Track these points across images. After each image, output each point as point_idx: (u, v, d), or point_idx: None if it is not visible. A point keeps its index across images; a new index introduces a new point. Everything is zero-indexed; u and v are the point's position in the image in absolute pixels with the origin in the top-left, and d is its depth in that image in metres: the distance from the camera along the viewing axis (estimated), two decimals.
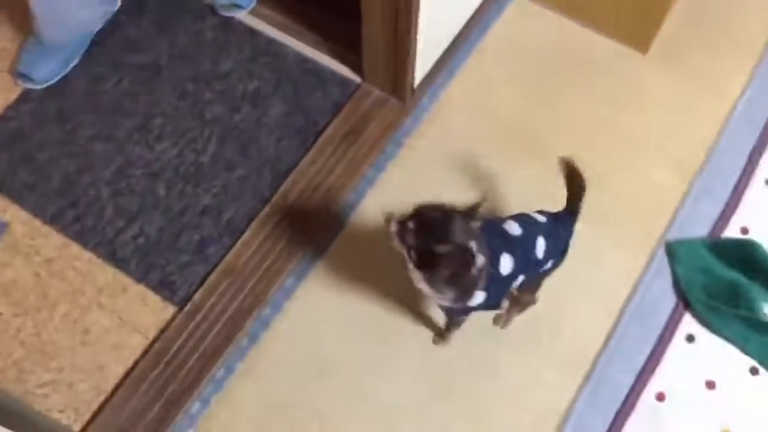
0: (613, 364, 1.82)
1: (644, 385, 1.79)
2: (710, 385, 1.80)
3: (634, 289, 1.90)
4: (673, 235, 1.96)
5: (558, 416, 1.76)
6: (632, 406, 1.77)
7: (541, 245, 1.53)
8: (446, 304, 1.52)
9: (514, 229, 1.54)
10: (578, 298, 1.88)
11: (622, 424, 1.76)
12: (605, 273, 1.92)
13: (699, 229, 1.97)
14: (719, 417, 1.77)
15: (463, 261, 1.40)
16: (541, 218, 1.59)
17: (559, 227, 1.59)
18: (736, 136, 2.09)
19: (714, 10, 2.27)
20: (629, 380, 1.80)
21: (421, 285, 1.47)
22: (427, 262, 1.41)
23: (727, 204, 2.00)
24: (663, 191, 2.02)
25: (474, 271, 1.41)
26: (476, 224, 1.41)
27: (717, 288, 1.87)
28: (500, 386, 1.79)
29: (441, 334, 1.81)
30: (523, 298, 1.76)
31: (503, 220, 1.57)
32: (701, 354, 1.83)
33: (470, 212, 1.41)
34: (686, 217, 1.98)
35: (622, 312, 1.87)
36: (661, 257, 1.94)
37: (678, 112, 2.12)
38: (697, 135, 2.09)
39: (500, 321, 1.83)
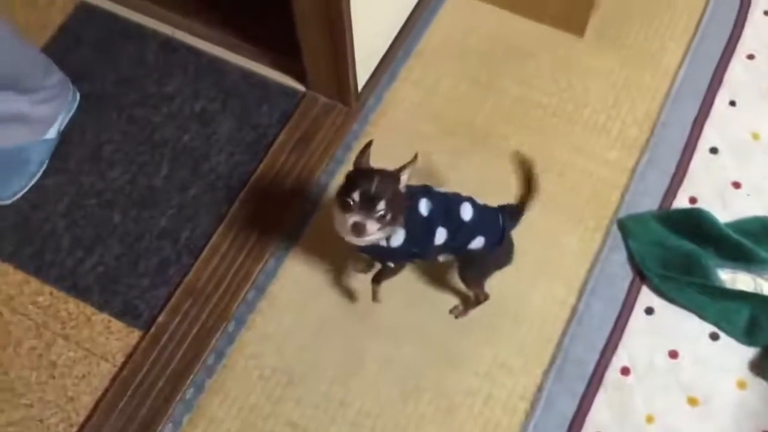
0: (576, 343, 1.85)
1: (608, 360, 1.83)
2: (673, 354, 1.84)
3: (592, 268, 1.93)
4: (625, 211, 1.99)
5: (527, 400, 1.79)
6: (598, 383, 1.80)
7: (467, 209, 1.57)
8: (372, 237, 1.50)
9: (440, 189, 1.61)
10: (537, 281, 1.91)
11: (591, 402, 1.79)
12: (562, 254, 1.95)
13: (649, 202, 2.01)
14: (685, 385, 1.81)
15: (392, 184, 1.48)
16: (479, 201, 1.62)
17: (499, 214, 1.61)
18: (678, 108, 2.13)
19: None
20: (593, 357, 1.83)
21: (371, 232, 1.46)
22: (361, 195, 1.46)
23: (674, 176, 2.03)
24: (612, 168, 2.05)
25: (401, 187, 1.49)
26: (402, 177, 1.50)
27: (671, 259, 1.91)
28: (467, 378, 1.81)
29: (375, 292, 1.81)
30: (473, 291, 1.79)
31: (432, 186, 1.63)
32: (661, 325, 1.87)
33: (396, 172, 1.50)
34: (636, 192, 2.02)
35: (581, 291, 1.90)
36: (615, 234, 1.97)
37: (619, 90, 2.16)
38: (640, 110, 2.12)
39: (455, 311, 1.85)
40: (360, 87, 2.12)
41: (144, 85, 2.20)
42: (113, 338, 1.87)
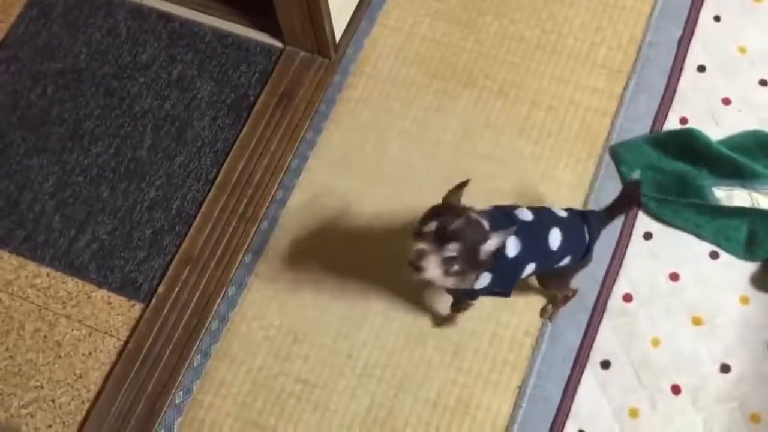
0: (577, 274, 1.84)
1: (610, 288, 1.83)
2: (674, 277, 1.84)
3: (587, 198, 1.92)
4: (616, 138, 1.97)
5: (533, 336, 1.79)
6: (602, 312, 1.81)
7: (555, 237, 1.49)
8: (453, 285, 1.44)
9: (525, 215, 1.50)
10: None
11: (596, 331, 1.80)
12: (556, 188, 1.93)
13: (640, 127, 1.99)
14: (688, 306, 1.81)
15: (476, 236, 1.36)
16: (562, 213, 1.55)
17: (586, 226, 1.55)
18: (662, 29, 2.09)
19: None
20: (595, 287, 1.83)
21: (433, 270, 1.36)
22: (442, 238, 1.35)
23: (663, 97, 2.01)
24: (600, 96, 2.02)
25: (485, 247, 1.37)
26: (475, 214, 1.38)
27: (665, 182, 1.89)
28: (471, 321, 1.81)
29: (447, 318, 1.80)
30: (560, 293, 1.75)
31: (515, 206, 1.53)
32: (661, 249, 1.86)
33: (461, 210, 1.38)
34: (626, 118, 1.99)
35: None
36: (609, 163, 1.96)
37: (601, 16, 2.11)
38: (624, 35, 2.08)
39: (546, 313, 1.81)
40: (338, 37, 2.07)
41: (118, 56, 2.15)
42: (115, 313, 1.87)
